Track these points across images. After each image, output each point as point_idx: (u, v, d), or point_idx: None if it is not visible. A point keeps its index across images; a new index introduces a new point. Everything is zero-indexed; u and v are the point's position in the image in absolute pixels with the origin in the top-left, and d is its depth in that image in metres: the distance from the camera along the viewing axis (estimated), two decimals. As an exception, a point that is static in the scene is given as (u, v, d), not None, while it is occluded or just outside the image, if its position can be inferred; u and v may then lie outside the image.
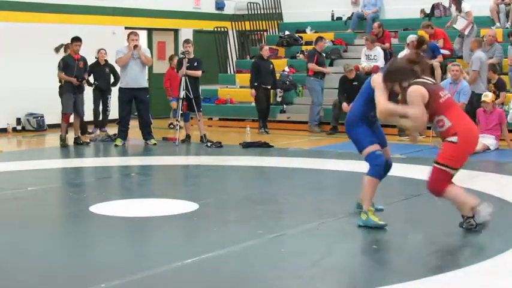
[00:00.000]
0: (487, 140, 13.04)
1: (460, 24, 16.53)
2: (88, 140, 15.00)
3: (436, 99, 6.81)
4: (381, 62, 16.89)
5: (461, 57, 16.67)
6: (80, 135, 14.68)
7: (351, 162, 11.34)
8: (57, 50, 17.41)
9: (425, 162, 11.89)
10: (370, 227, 7.21)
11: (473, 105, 13.99)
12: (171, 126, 16.24)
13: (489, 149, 13.01)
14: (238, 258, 6.41)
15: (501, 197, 8.95)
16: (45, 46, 16.65)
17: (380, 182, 7.42)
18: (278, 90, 17.89)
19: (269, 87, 16.87)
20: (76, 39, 14.52)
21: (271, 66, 16.93)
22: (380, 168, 7.34)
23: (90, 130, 16.33)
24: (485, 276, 5.82)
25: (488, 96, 13.32)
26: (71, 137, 14.54)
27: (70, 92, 14.34)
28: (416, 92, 6.79)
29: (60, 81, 15.50)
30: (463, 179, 10.26)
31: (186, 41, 15.19)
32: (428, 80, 6.96)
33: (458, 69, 14.08)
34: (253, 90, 16.67)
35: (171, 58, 18.05)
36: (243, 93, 18.98)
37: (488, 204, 6.97)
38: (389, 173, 10.04)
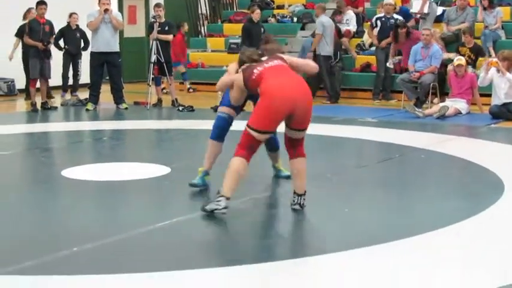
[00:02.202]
0: (459, 104, 13.10)
1: (416, 7, 16.24)
2: (56, 105, 14.93)
3: (249, 79, 6.64)
4: (353, 26, 16.87)
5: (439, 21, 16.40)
6: (47, 99, 14.58)
7: (322, 126, 11.30)
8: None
9: (396, 125, 11.97)
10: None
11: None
12: (164, 91, 15.86)
13: (460, 113, 13.07)
14: (210, 221, 6.41)
15: (472, 161, 9.01)
16: (13, 11, 16.39)
17: (219, 144, 7.44)
18: None
19: None
20: (41, 3, 14.31)
21: (262, 30, 16.19)
22: (216, 130, 7.42)
23: (61, 94, 16.15)
24: (448, 237, 5.83)
25: (462, 60, 13.34)
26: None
27: (36, 57, 14.12)
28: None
29: (23, 47, 15.36)
30: (435, 142, 10.38)
31: (157, 5, 15.08)
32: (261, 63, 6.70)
33: (429, 33, 14.10)
34: None
35: (182, 25, 18.20)
36: (214, 58, 18.88)
37: (226, 204, 6.30)
38: (362, 137, 10.10)
